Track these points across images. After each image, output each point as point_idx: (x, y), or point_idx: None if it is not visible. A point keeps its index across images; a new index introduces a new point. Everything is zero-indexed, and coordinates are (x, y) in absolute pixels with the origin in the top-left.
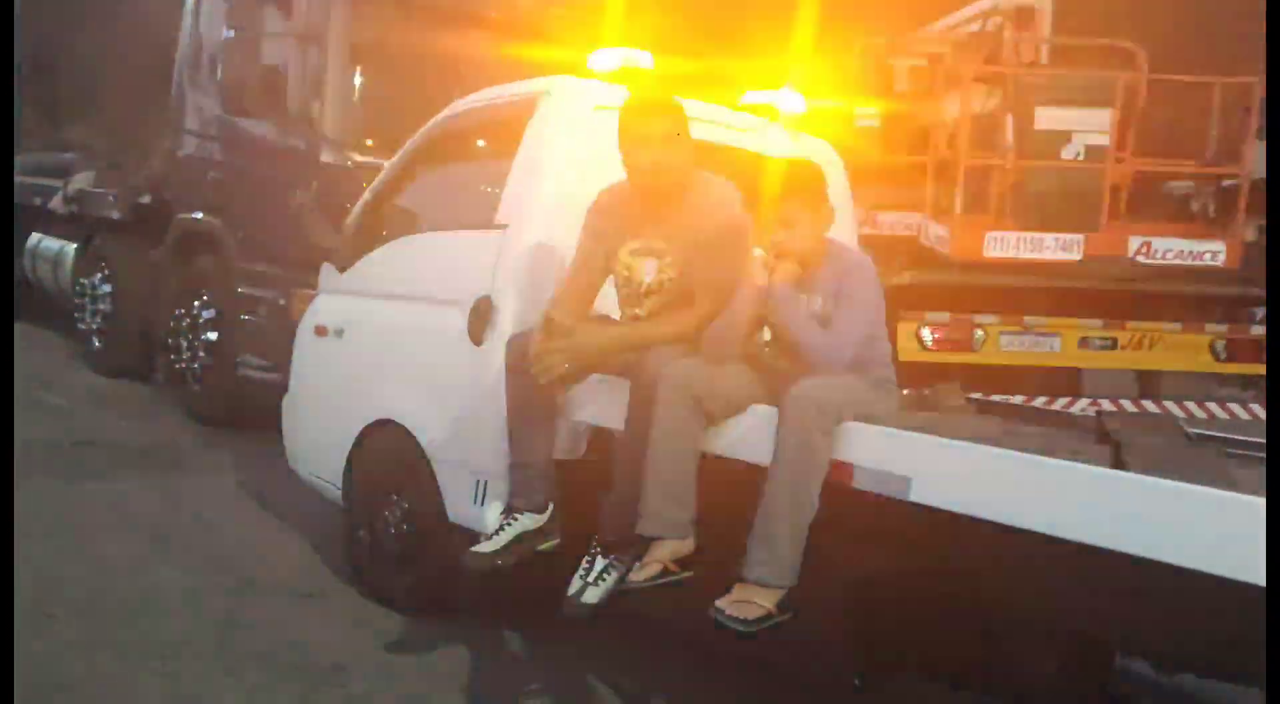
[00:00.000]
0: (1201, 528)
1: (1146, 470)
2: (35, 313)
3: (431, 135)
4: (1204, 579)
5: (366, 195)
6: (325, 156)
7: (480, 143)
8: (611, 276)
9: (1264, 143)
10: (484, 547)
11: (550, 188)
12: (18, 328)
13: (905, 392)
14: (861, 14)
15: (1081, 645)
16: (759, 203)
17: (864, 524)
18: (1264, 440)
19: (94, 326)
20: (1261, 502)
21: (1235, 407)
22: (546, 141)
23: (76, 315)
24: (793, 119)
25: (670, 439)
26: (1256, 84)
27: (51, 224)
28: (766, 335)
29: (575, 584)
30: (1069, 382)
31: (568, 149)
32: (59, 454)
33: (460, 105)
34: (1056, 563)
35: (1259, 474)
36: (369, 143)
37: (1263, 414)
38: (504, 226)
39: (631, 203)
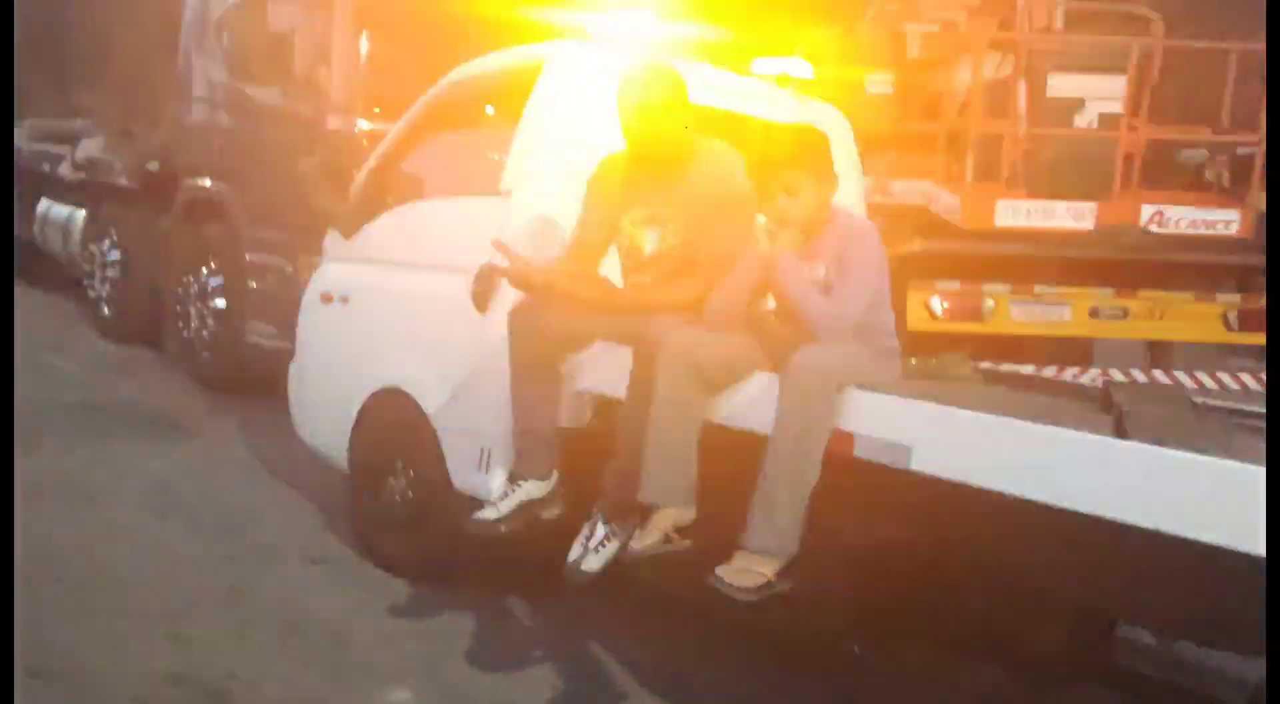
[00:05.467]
0: (1201, 497)
1: (1148, 439)
2: (44, 278)
3: (436, 101)
4: (1204, 548)
5: (372, 161)
6: (332, 122)
7: (485, 108)
8: (614, 245)
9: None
10: (487, 513)
11: (555, 154)
12: (27, 293)
13: (913, 360)
14: None
15: (1083, 614)
16: (763, 169)
17: (866, 493)
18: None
19: (103, 293)
20: (1261, 470)
21: (1246, 377)
22: (551, 107)
23: (85, 281)
24: (802, 85)
25: (672, 407)
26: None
27: (61, 190)
28: (771, 303)
29: (575, 551)
30: (1081, 351)
31: (572, 115)
32: (68, 419)
33: (465, 70)
34: (1057, 532)
35: (1261, 443)
36: (375, 108)
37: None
38: (508, 193)
39: (633, 171)
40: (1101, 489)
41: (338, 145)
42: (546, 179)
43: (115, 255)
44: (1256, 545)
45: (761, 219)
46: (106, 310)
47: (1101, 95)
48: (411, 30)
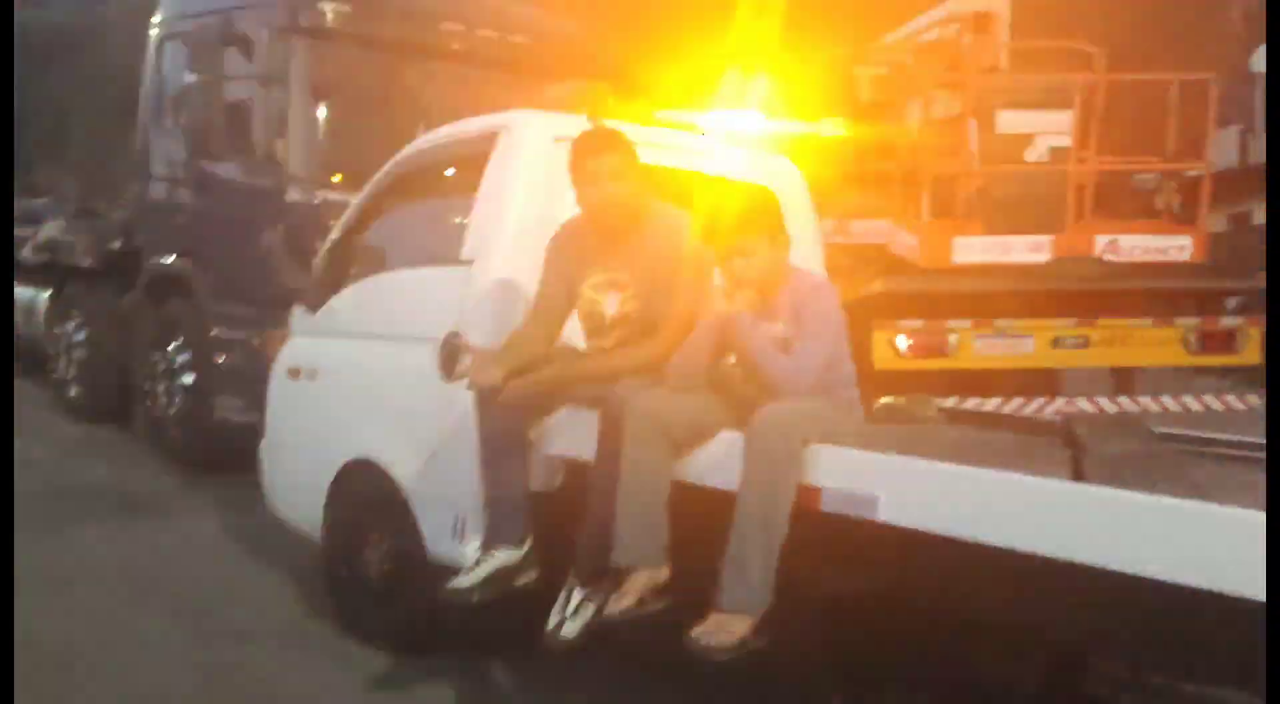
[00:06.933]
0: (1157, 536)
1: (1106, 479)
2: None
3: (396, 172)
4: (1166, 585)
5: (334, 234)
6: (292, 195)
7: (444, 178)
8: (576, 310)
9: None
10: (461, 581)
11: (514, 221)
12: None
13: (882, 401)
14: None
15: (1057, 652)
16: (715, 231)
17: (836, 545)
18: (1232, 437)
19: (69, 374)
20: (1210, 507)
21: (1209, 398)
22: (508, 175)
23: (51, 364)
24: (754, 137)
25: (640, 469)
26: (1213, 80)
27: (22, 273)
28: (732, 360)
29: (553, 618)
30: (1048, 380)
31: (530, 182)
32: (37, 502)
33: (423, 141)
34: (1026, 574)
35: (1220, 472)
36: (335, 180)
37: (1236, 404)
38: (470, 261)
39: (590, 236)
40: (1061, 532)
41: (299, 218)
42: (506, 247)
43: (80, 336)
44: (1213, 581)
45: (719, 279)
46: (73, 391)
47: (1050, 130)
48: (370, 101)
